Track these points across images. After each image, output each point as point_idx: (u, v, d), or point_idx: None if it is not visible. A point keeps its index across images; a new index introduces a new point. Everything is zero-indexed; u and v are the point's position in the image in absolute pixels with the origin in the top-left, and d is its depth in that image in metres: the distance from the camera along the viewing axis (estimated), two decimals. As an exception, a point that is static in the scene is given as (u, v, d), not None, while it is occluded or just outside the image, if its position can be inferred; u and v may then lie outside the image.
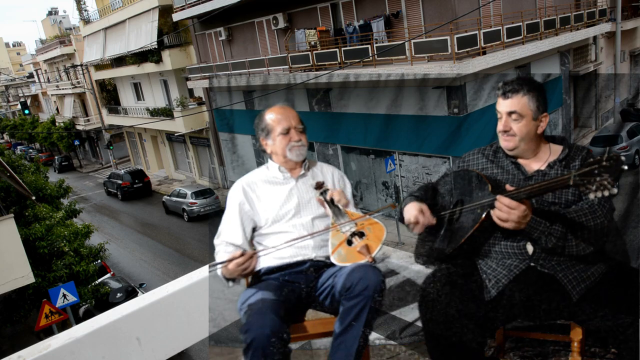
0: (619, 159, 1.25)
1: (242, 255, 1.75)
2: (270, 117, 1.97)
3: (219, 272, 1.81)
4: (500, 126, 1.68)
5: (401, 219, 1.79)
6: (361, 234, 1.78)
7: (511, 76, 1.78)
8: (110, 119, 27.76)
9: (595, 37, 16.35)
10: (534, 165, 1.68)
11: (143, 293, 5.91)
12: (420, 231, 1.74)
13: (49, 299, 7.92)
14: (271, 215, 1.91)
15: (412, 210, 1.71)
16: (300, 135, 1.95)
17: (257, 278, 1.90)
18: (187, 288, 2.25)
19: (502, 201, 1.46)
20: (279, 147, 1.94)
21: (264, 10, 15.20)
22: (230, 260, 1.76)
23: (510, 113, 1.65)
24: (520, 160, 1.70)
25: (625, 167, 1.24)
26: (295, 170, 1.99)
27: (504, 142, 1.69)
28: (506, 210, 1.46)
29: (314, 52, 13.04)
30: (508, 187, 1.52)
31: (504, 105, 1.67)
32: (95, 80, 28.85)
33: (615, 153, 1.27)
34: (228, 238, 1.91)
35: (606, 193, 1.26)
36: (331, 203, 1.91)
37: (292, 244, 1.84)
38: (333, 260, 1.78)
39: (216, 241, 1.94)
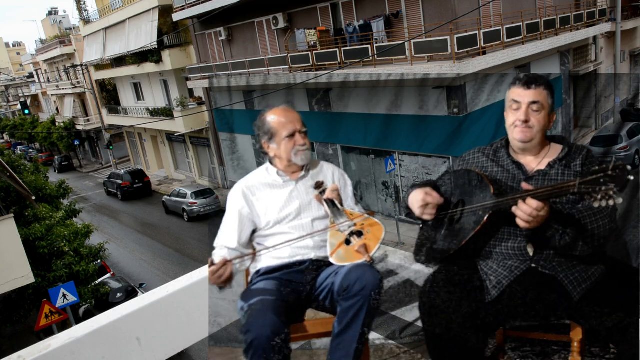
0: (625, 169, 1.24)
1: (211, 264, 1.72)
2: (274, 120, 1.92)
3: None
4: (520, 115, 1.62)
5: (407, 214, 1.77)
6: (359, 234, 1.78)
7: (512, 75, 1.78)
8: (110, 119, 27.76)
9: (595, 37, 16.35)
10: (534, 165, 1.67)
11: (143, 293, 5.92)
12: (433, 213, 1.69)
13: (49, 299, 7.92)
14: (272, 219, 1.90)
15: (417, 195, 1.69)
16: (305, 139, 1.93)
17: (257, 278, 1.90)
18: (187, 288, 2.25)
19: (531, 204, 1.42)
20: (284, 151, 1.91)
21: (264, 10, 15.19)
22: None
23: (532, 103, 1.61)
24: (521, 160, 1.70)
25: (632, 178, 1.23)
26: (296, 172, 1.98)
27: (521, 134, 1.64)
28: (534, 213, 1.42)
29: (314, 52, 13.04)
30: (525, 185, 1.47)
31: (526, 95, 1.62)
32: (95, 80, 28.85)
33: (622, 162, 1.26)
34: (224, 242, 1.91)
35: (611, 202, 1.25)
36: (330, 203, 1.90)
37: (288, 244, 1.83)
38: (332, 261, 1.77)
39: (215, 244, 1.95)
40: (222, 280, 1.74)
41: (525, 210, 1.42)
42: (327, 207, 1.89)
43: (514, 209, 1.46)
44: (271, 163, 2.01)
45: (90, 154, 37.06)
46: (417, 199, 1.68)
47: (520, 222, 1.46)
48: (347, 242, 1.77)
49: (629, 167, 1.25)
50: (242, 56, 16.72)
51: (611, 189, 1.24)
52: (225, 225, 1.94)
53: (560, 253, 1.56)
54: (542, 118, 1.62)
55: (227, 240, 1.90)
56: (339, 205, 1.89)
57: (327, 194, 1.90)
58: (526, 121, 1.62)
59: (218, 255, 1.86)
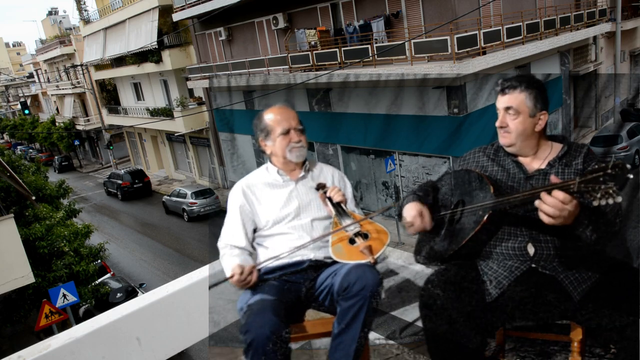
0: (625, 167, 1.24)
1: (241, 272, 1.74)
2: (270, 117, 1.95)
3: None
4: (497, 121, 1.70)
5: (400, 215, 1.78)
6: (365, 236, 1.78)
7: (511, 75, 1.79)
8: (110, 119, 27.76)
9: (595, 37, 16.35)
10: (534, 164, 1.68)
11: (143, 293, 5.91)
12: (415, 233, 1.74)
13: (49, 299, 7.91)
14: (271, 218, 1.91)
15: (411, 211, 1.70)
16: (300, 136, 1.94)
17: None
18: (187, 288, 2.25)
19: (557, 196, 1.34)
20: (279, 148, 1.93)
21: (264, 10, 15.19)
22: (231, 277, 1.76)
23: (506, 109, 1.66)
24: (521, 159, 1.70)
25: (631, 176, 1.24)
26: (294, 171, 1.98)
27: (501, 139, 1.70)
28: (560, 207, 1.34)
29: (314, 52, 13.04)
30: (554, 178, 1.41)
31: (501, 101, 1.69)
32: (95, 80, 28.85)
33: (621, 161, 1.26)
34: (232, 241, 1.90)
35: (611, 201, 1.25)
36: (336, 204, 1.90)
37: (293, 251, 1.83)
38: (330, 253, 1.77)
39: (220, 244, 1.94)
40: (250, 287, 1.77)
41: (551, 203, 1.34)
42: (332, 208, 1.89)
43: (537, 202, 1.38)
44: (271, 162, 2.01)
45: (90, 154, 37.05)
46: (408, 214, 1.70)
47: (544, 218, 1.38)
48: (352, 241, 1.77)
49: (628, 166, 1.25)
50: (242, 56, 16.72)
51: (611, 187, 1.25)
52: (229, 224, 1.94)
53: (560, 253, 1.56)
54: (520, 123, 1.64)
55: (235, 240, 1.90)
56: (344, 207, 1.89)
57: (334, 196, 1.90)
58: (502, 127, 1.67)
59: (230, 255, 1.85)
